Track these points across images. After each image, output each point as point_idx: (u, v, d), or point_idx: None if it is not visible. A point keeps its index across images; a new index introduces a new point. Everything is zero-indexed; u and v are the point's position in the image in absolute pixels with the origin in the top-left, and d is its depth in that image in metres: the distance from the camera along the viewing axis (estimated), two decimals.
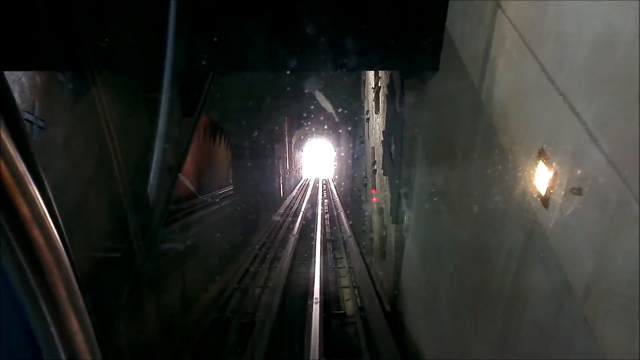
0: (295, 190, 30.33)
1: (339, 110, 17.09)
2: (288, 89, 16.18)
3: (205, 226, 11.92)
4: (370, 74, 9.18)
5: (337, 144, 30.68)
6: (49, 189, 0.71)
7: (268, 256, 11.50)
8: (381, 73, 7.46)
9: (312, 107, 16.75)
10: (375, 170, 8.62)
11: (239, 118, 16.97)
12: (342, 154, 26.34)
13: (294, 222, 16.99)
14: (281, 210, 19.53)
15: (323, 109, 17.45)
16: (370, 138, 9.64)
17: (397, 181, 5.88)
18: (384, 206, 7.60)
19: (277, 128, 20.64)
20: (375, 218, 8.91)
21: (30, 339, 0.70)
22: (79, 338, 0.73)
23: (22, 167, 0.65)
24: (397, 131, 5.72)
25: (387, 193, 7.05)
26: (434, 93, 4.60)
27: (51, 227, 0.70)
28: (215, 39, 4.08)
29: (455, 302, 3.70)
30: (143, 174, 6.03)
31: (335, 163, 36.55)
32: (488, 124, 2.98)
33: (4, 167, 0.62)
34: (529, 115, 2.38)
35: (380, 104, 7.81)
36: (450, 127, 4.03)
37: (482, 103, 3.13)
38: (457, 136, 3.76)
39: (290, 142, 30.18)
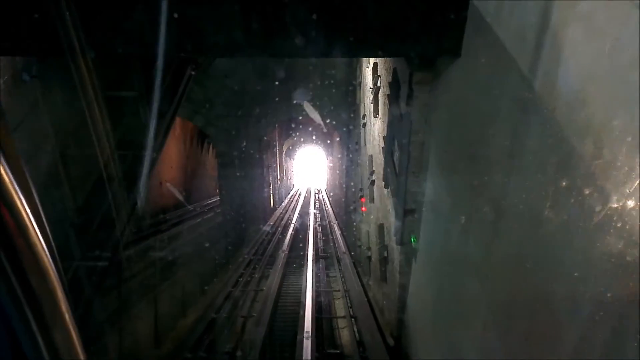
0: (286, 200, 29.38)
1: (330, 118, 16.28)
2: (277, 93, 15.34)
3: (187, 241, 10.97)
4: (368, 73, 8.35)
5: (330, 152, 29.83)
6: (36, 196, 0.71)
7: (255, 276, 10.53)
8: (381, 70, 6.62)
9: (303, 112, 15.91)
10: (373, 181, 7.75)
11: (225, 124, 16.10)
12: (335, 163, 25.48)
13: (284, 234, 16.05)
14: (271, 222, 18.58)
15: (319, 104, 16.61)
16: (368, 145, 8.78)
17: (402, 195, 5.01)
18: (384, 222, 6.72)
19: (266, 135, 19.76)
20: (374, 235, 8.02)
21: (14, 346, 0.69)
22: (65, 345, 0.73)
23: (7, 174, 0.66)
24: (403, 136, 4.86)
25: (389, 208, 6.17)
26: (453, 86, 3.76)
27: (36, 232, 0.69)
28: (186, 19, 3.22)
29: (490, 343, 2.81)
30: (99, 184, 5.11)
31: (328, 172, 35.70)
32: (548, 121, 2.12)
33: None
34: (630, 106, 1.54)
35: (379, 106, 6.97)
36: (478, 128, 3.18)
37: (536, 94, 2.28)
38: (490, 139, 2.91)
39: (280, 150, 29.28)
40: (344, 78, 14.06)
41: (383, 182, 6.38)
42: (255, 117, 16.13)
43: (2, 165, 0.64)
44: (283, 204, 27.34)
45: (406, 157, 4.78)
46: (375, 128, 7.50)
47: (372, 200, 8.03)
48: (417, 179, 4.85)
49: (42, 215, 0.71)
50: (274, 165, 25.44)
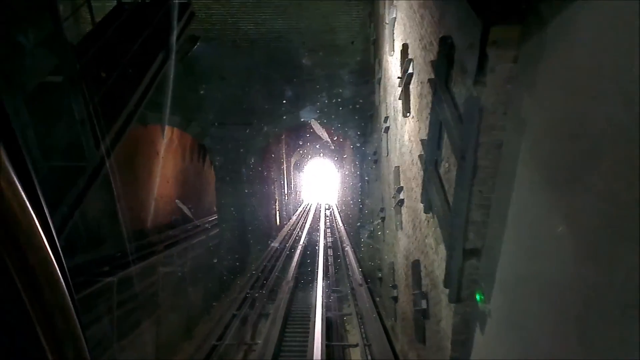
0: (294, 217, 27.65)
1: (341, 123, 14.65)
2: (284, 97, 13.75)
3: (169, 272, 9.28)
4: (392, 63, 6.68)
5: (340, 165, 28.09)
6: (42, 200, 0.70)
7: (250, 318, 8.75)
8: (415, 50, 4.94)
9: (314, 117, 14.29)
10: (401, 200, 6.03)
11: (223, 133, 14.52)
12: (346, 177, 23.77)
13: (290, 258, 14.30)
14: (276, 243, 16.84)
15: (326, 121, 15.00)
16: (392, 154, 7.08)
17: (459, 227, 3.28)
18: (421, 259, 4.98)
19: (271, 146, 18.16)
20: (402, 271, 6.27)
21: (18, 347, 0.69)
22: (69, 345, 0.73)
23: (14, 178, 0.65)
24: (462, 135, 3.16)
25: (430, 241, 4.44)
26: (574, 45, 2.08)
27: (47, 248, 0.69)
28: None
29: None
30: None
31: (339, 187, 33.96)
32: None
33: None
34: None
35: (412, 101, 5.28)
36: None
37: None
38: None
39: (288, 163, 27.67)
40: (358, 70, 12.40)
41: (421, 205, 4.65)
42: (257, 126, 14.51)
43: (14, 180, 0.64)
44: (291, 221, 25.62)
45: (469, 168, 3.07)
46: (404, 131, 5.81)
47: (399, 227, 6.28)
48: (486, 203, 3.14)
49: (52, 228, 0.71)
50: (281, 180, 23.79)
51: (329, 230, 21.97)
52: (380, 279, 9.01)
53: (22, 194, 0.65)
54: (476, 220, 3.20)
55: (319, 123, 14.90)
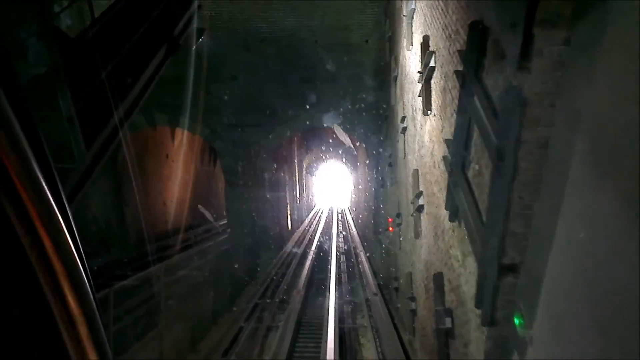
0: (306, 221, 27.23)
1: (355, 125, 14.23)
2: (295, 95, 13.37)
3: (173, 282, 8.88)
4: (411, 57, 6.25)
5: (354, 168, 27.62)
6: (62, 192, 0.72)
7: (256, 335, 8.30)
8: (437, 41, 4.50)
9: (329, 118, 13.89)
10: (421, 207, 5.59)
11: (233, 136, 14.18)
12: (360, 181, 23.31)
13: (301, 265, 13.88)
14: (287, 249, 16.44)
15: (340, 123, 14.59)
16: (410, 156, 6.64)
17: (494, 239, 2.85)
18: (444, 272, 4.53)
19: (283, 149, 17.82)
20: (421, 283, 5.81)
21: (40, 342, 0.70)
22: (89, 341, 0.73)
23: (36, 169, 0.66)
24: (499, 132, 2.73)
25: (456, 252, 3.99)
26: None
27: (63, 228, 0.70)
28: None
29: None
30: None
31: (352, 191, 33.48)
32: None
33: (18, 169, 0.62)
34: None
35: (434, 97, 4.84)
36: None
37: None
38: None
39: (300, 166, 27.31)
40: (373, 69, 12.02)
41: (445, 212, 4.20)
42: (269, 127, 14.14)
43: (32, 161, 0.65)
44: (303, 225, 25.21)
45: (507, 170, 2.63)
46: (424, 131, 5.37)
47: (418, 234, 5.85)
48: (527, 212, 2.69)
49: (67, 208, 0.72)
50: (293, 183, 23.42)
51: (342, 235, 21.52)
52: (397, 289, 8.55)
53: (51, 199, 0.67)
54: (515, 231, 2.76)
55: (327, 121, 14.48)
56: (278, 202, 18.58)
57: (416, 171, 5.94)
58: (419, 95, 5.46)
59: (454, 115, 3.84)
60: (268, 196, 16.02)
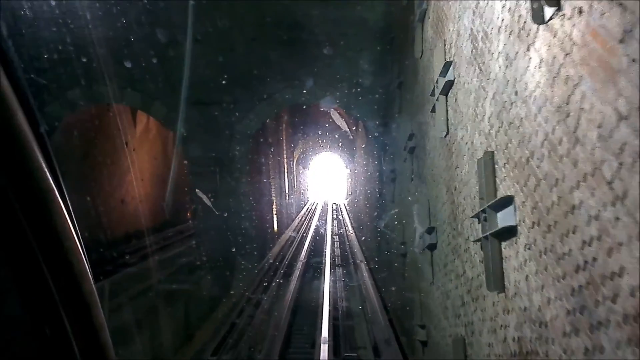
0: (297, 220, 24.38)
1: (354, 107, 11.39)
2: (278, 64, 10.46)
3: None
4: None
5: (351, 159, 24.69)
6: (64, 188, 0.71)
7: None
8: None
9: (326, 95, 11.07)
10: (507, 229, 2.69)
11: (200, 116, 11.21)
12: (360, 174, 20.42)
13: (287, 281, 11.02)
14: (270, 259, 13.61)
15: (336, 103, 11.73)
16: (462, 131, 3.75)
17: None
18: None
19: (265, 131, 14.86)
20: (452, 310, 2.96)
21: (43, 337, 0.71)
22: (93, 337, 0.74)
23: (46, 170, 0.67)
24: None
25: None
26: None
27: (69, 225, 0.71)
28: None
29: None
30: None
31: (349, 187, 30.63)
32: None
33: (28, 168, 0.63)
34: None
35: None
36: None
37: None
38: None
39: (290, 156, 24.35)
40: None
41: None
42: (245, 101, 11.18)
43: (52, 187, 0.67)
44: (293, 224, 22.39)
45: None
46: (531, 62, 2.47)
47: (495, 284, 2.95)
48: None
49: (69, 203, 0.72)
50: (280, 176, 20.45)
51: (337, 238, 18.69)
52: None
53: (57, 195, 0.68)
54: None
55: (322, 102, 11.63)
56: (261, 199, 15.63)
57: (490, 155, 3.03)
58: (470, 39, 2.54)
59: None
60: (247, 192, 13.04)
